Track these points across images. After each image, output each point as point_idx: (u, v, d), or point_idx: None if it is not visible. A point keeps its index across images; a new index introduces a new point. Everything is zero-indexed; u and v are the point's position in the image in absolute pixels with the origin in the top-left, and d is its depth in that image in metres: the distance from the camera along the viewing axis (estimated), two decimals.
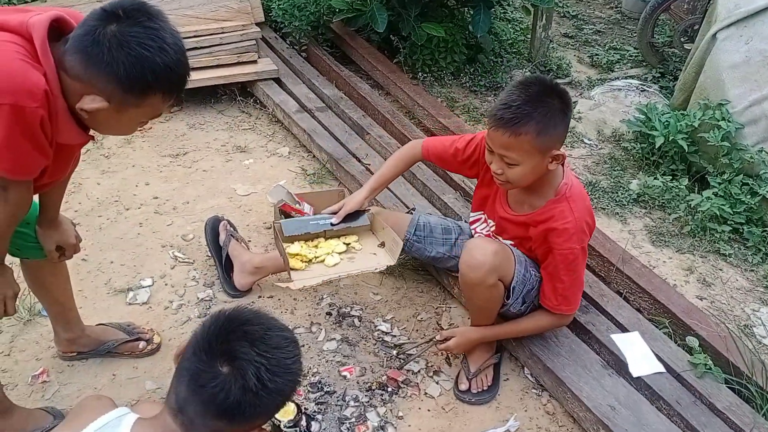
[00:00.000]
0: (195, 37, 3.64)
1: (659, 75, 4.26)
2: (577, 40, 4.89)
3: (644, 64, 4.44)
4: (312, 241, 2.22)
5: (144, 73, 1.29)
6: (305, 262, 2.12)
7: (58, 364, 2.13)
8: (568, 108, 1.80)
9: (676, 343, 2.19)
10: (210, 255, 2.52)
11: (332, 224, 2.21)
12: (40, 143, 1.33)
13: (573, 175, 1.98)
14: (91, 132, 1.46)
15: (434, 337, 2.17)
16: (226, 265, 2.43)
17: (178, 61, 1.33)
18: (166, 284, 2.45)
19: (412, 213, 2.38)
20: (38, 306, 2.27)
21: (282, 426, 1.84)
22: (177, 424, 1.17)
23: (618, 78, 4.26)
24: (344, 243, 2.23)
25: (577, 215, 1.88)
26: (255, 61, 3.67)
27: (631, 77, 4.26)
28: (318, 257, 2.15)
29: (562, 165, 1.92)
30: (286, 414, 1.86)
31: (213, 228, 2.52)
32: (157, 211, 2.84)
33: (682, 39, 4.15)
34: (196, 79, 3.56)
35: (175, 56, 1.31)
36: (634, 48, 4.62)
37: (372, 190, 2.29)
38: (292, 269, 2.09)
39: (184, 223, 2.78)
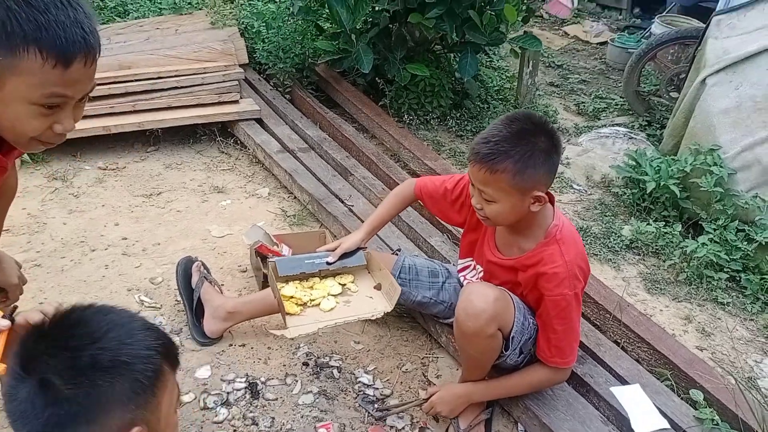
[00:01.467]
0: (176, 76, 3.55)
1: (646, 123, 4.22)
2: (563, 89, 4.88)
3: (630, 112, 4.41)
4: (307, 281, 2.07)
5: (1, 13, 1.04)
6: (300, 305, 1.97)
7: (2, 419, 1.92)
8: (555, 148, 1.68)
9: (679, 396, 2.04)
10: (180, 298, 2.34)
11: (328, 263, 2.07)
12: None
13: (564, 217, 1.85)
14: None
15: (420, 398, 2.01)
16: (196, 310, 2.26)
17: (52, 3, 1.08)
18: None
19: (397, 254, 2.24)
20: None
21: None
22: None
23: (605, 125, 4.22)
24: (339, 283, 2.08)
25: (568, 259, 1.74)
26: (237, 101, 3.57)
27: (618, 125, 4.22)
28: (313, 300, 1.99)
29: (552, 206, 1.81)
30: None
31: (185, 269, 2.35)
32: (125, 253, 2.67)
33: (668, 88, 4.14)
34: (175, 118, 3.46)
35: None
36: (620, 97, 4.60)
37: (369, 231, 2.16)
38: (287, 314, 1.93)
39: (153, 266, 2.61)
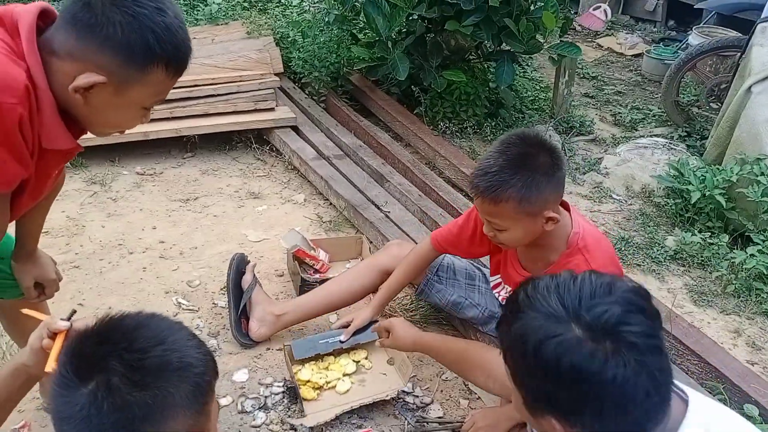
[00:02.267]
0: (212, 84, 3.58)
1: (685, 134, 4.13)
2: (598, 100, 4.81)
3: (669, 123, 4.32)
4: (322, 360, 2.11)
5: (144, 34, 1.13)
6: (316, 389, 2.01)
7: (42, 417, 1.91)
8: (558, 164, 1.61)
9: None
10: (227, 293, 2.27)
11: (341, 341, 2.11)
12: (17, 149, 1.15)
13: (585, 221, 1.77)
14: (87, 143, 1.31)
15: (459, 419, 1.96)
16: (242, 310, 2.23)
17: (179, 24, 1.18)
18: None
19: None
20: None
21: None
22: None
23: (643, 136, 4.14)
24: (354, 360, 2.14)
25: (597, 265, 1.62)
26: (272, 109, 3.58)
27: (657, 135, 4.14)
28: (329, 383, 2.03)
29: (569, 212, 1.73)
30: None
31: (239, 267, 2.30)
32: (162, 256, 2.67)
33: (708, 98, 4.05)
34: (212, 125, 3.47)
35: (175, 19, 1.17)
36: (658, 108, 4.52)
37: (380, 307, 2.15)
38: (304, 400, 1.97)
39: (190, 269, 2.60)
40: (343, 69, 3.94)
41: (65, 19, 1.15)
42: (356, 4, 3.66)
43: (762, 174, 2.92)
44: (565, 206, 1.74)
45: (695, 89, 4.40)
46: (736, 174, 2.97)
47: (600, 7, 6.36)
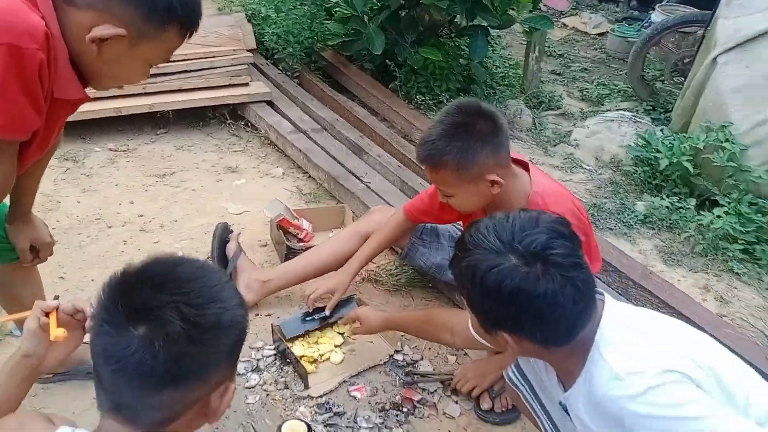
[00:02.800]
0: (184, 60, 3.54)
1: (650, 108, 4.25)
2: (565, 77, 4.90)
3: (634, 98, 4.44)
4: (311, 336, 2.14)
5: None
6: (312, 362, 2.05)
7: (33, 388, 1.89)
8: (497, 129, 1.67)
9: None
10: (212, 262, 2.26)
11: (327, 316, 2.15)
12: (36, 96, 1.15)
13: (548, 179, 1.81)
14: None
15: (447, 372, 2.02)
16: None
17: None
18: None
19: None
20: (9, 324, 2.05)
21: None
22: (123, 424, 0.96)
23: (610, 110, 4.25)
24: (339, 333, 2.17)
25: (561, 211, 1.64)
26: (247, 84, 3.56)
27: (623, 110, 4.25)
28: (323, 355, 2.08)
29: (529, 173, 1.78)
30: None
31: (222, 236, 2.31)
32: (142, 229, 2.65)
33: (672, 73, 4.18)
34: (186, 100, 3.44)
35: None
36: (623, 83, 4.64)
37: (353, 274, 2.18)
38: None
39: (172, 241, 2.59)
40: (317, 45, 3.93)
41: None
42: None
43: (727, 140, 3.03)
44: (525, 167, 1.79)
45: (659, 65, 4.53)
46: (702, 141, 3.08)
47: None
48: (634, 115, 4.04)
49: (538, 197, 1.73)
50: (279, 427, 1.67)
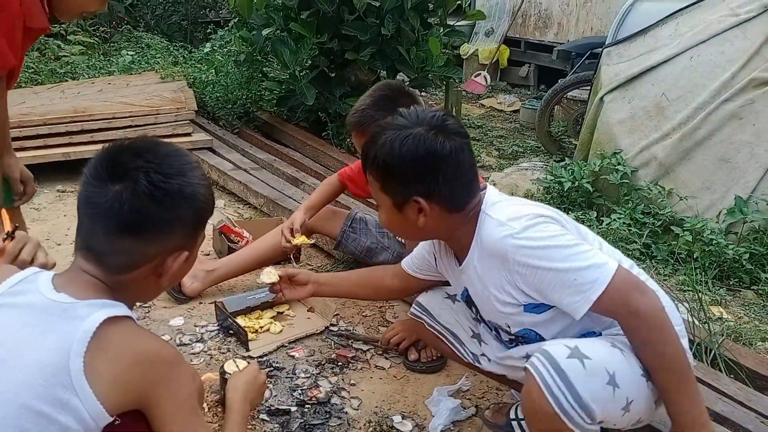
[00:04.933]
0: (130, 117, 3.82)
1: (560, 159, 4.74)
2: (484, 142, 5.40)
3: (545, 153, 4.95)
4: (252, 314, 2.31)
5: None
6: (253, 332, 2.22)
7: None
8: (416, 105, 1.91)
9: None
10: None
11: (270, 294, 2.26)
12: (16, 35, 1.38)
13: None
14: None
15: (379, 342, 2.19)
16: None
17: None
18: None
19: (348, 211, 2.51)
20: None
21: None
22: (91, 264, 1.14)
23: (524, 162, 4.72)
24: (278, 312, 2.35)
25: None
26: (189, 134, 3.84)
27: (535, 161, 4.74)
28: (263, 327, 2.25)
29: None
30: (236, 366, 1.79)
31: None
32: None
33: (575, 126, 4.72)
34: None
35: None
36: (535, 142, 5.17)
37: (309, 209, 2.39)
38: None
39: None
40: (254, 105, 4.29)
41: None
42: (264, 46, 4.07)
43: (619, 164, 3.48)
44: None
45: (562, 122, 5.10)
46: (598, 165, 3.52)
47: (480, 74, 7.21)
48: (545, 164, 4.52)
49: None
50: (221, 367, 1.80)
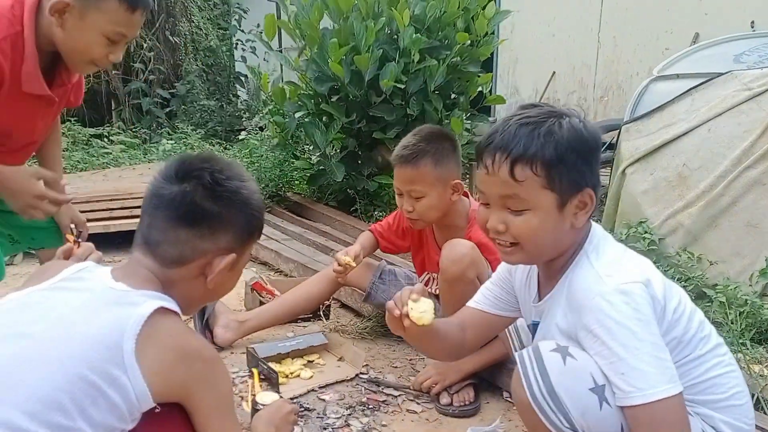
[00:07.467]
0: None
1: None
2: None
3: None
4: (281, 363, 2.34)
5: None
6: (284, 377, 2.25)
7: None
8: (456, 147, 2.17)
9: None
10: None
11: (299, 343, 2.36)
12: None
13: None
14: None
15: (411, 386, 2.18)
16: (206, 322, 2.43)
17: None
18: None
19: (378, 263, 2.55)
20: None
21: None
22: (147, 257, 1.21)
23: None
24: (308, 360, 2.38)
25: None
26: None
27: None
28: (293, 372, 2.29)
29: (467, 197, 2.22)
30: (268, 399, 1.79)
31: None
32: None
33: (599, 207, 4.78)
34: None
35: None
36: None
37: (362, 248, 2.44)
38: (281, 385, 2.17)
39: None
40: (285, 186, 4.46)
41: None
42: (296, 130, 4.29)
43: (646, 232, 3.50)
44: (465, 194, 2.22)
45: None
46: (625, 234, 3.54)
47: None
48: None
49: (474, 213, 2.12)
50: (253, 397, 1.80)
